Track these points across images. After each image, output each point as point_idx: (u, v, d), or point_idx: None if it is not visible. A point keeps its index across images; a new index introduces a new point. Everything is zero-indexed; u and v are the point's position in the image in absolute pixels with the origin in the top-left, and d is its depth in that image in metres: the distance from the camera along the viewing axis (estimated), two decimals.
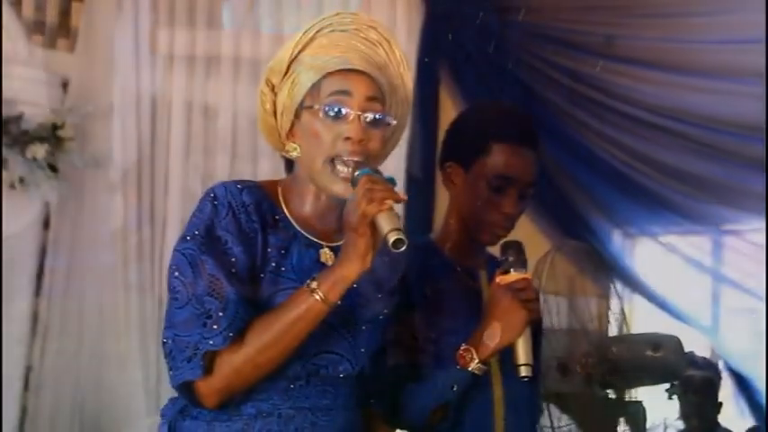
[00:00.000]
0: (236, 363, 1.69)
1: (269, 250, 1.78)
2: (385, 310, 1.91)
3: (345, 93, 1.78)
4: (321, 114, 1.78)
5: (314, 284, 1.68)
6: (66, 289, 4.51)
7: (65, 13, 4.75)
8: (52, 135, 4.38)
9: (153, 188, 4.71)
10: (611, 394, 3.28)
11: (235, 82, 4.81)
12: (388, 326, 1.93)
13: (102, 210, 4.60)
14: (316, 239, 1.84)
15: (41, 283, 4.48)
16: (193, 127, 4.80)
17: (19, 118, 4.33)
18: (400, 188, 5.08)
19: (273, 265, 1.77)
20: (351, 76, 1.79)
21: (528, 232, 4.71)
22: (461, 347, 2.01)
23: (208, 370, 1.69)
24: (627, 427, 3.30)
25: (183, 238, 1.77)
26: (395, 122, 1.88)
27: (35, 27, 4.69)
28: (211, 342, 1.68)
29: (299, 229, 1.83)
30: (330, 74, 1.79)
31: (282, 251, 1.79)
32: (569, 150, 5.04)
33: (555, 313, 3.12)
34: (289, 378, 1.76)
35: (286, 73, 1.84)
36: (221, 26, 4.89)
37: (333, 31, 1.85)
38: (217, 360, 1.69)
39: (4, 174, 4.26)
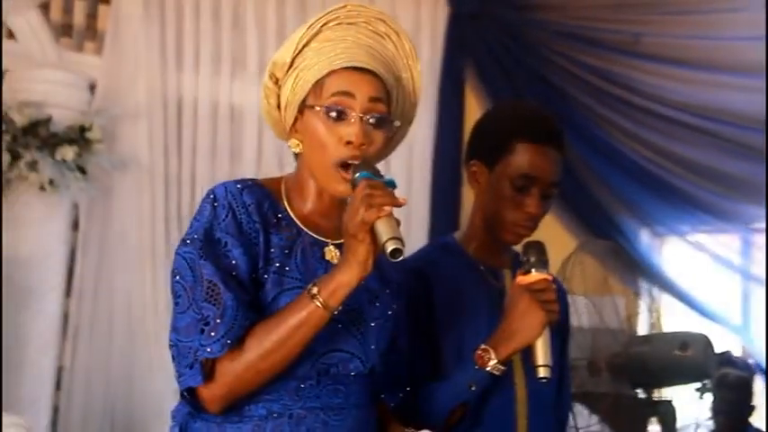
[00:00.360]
0: (237, 369, 1.66)
1: (272, 250, 1.74)
2: (394, 306, 1.88)
3: (348, 94, 1.74)
4: (322, 115, 1.74)
5: (314, 290, 1.65)
6: (96, 289, 4.54)
7: (92, 16, 4.79)
8: (80, 137, 4.41)
9: (180, 188, 4.73)
10: (641, 394, 3.26)
11: (260, 83, 4.81)
12: (397, 322, 1.90)
13: (130, 210, 4.63)
14: (320, 237, 1.81)
15: (71, 284, 4.52)
16: (219, 127, 4.83)
17: (48, 121, 4.37)
18: (426, 187, 5.07)
19: (277, 265, 1.74)
20: (355, 75, 1.75)
21: (555, 231, 4.71)
22: (480, 347, 2.01)
23: (209, 377, 1.67)
24: (657, 427, 3.28)
25: (183, 242, 1.74)
26: (398, 124, 1.85)
27: (63, 30, 4.73)
28: (209, 350, 1.65)
29: (302, 227, 1.80)
30: (334, 71, 1.75)
31: (286, 251, 1.76)
32: (596, 149, 5.03)
33: (583, 313, 3.10)
34: (299, 378, 1.73)
35: (290, 67, 1.79)
36: (246, 27, 4.91)
37: (340, 23, 1.79)
38: (217, 367, 1.67)
39: (35, 176, 4.29)
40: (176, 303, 1.72)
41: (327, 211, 1.82)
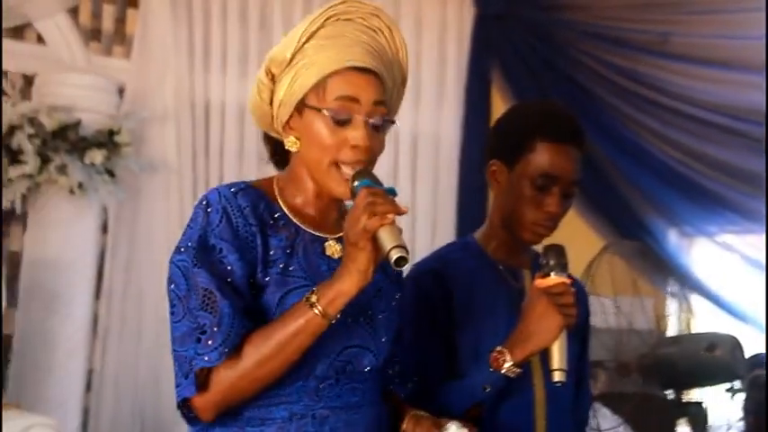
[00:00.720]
0: (232, 377, 1.65)
1: (271, 252, 1.73)
2: (396, 296, 1.89)
3: (353, 99, 1.72)
4: (328, 119, 1.72)
5: (313, 298, 1.64)
6: (125, 292, 4.57)
7: (120, 20, 4.82)
8: (109, 141, 4.44)
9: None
10: (671, 395, 3.24)
11: None
12: (401, 312, 1.90)
13: (159, 213, 4.66)
14: (319, 233, 1.80)
15: (101, 286, 4.55)
16: (246, 129, 4.84)
17: (77, 124, 4.41)
18: (453, 188, 5.05)
19: (281, 266, 1.73)
20: (358, 77, 1.74)
21: (582, 232, 4.69)
22: (495, 349, 2.01)
23: (203, 386, 1.66)
24: (687, 428, 3.26)
25: (177, 250, 1.73)
26: (398, 123, 1.84)
27: (92, 35, 4.76)
28: (206, 358, 1.64)
29: (300, 225, 1.79)
30: (336, 72, 1.73)
31: (288, 250, 1.75)
32: (624, 149, 5.01)
33: (611, 314, 3.09)
34: (318, 378, 1.72)
35: (288, 64, 1.76)
36: (273, 28, 4.92)
37: (338, 20, 1.77)
38: (213, 375, 1.66)
39: (64, 179, 4.33)
40: (172, 313, 1.71)
41: (325, 207, 1.81)
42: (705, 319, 4.56)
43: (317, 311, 1.63)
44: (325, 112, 1.73)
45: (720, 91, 4.75)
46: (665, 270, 3.48)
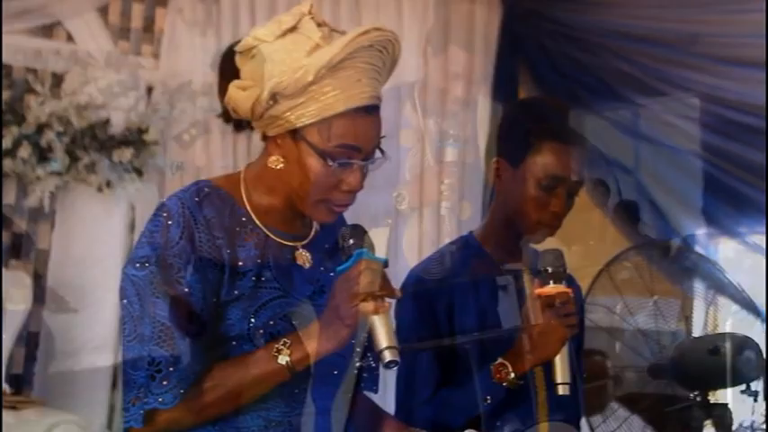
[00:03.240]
0: (184, 414, 1.61)
1: (240, 264, 1.66)
2: None
3: (356, 149, 1.65)
4: (327, 162, 1.64)
5: (286, 352, 1.60)
6: None
7: (149, 19, 4.84)
8: (138, 139, 4.47)
9: None
10: (697, 397, 3.22)
11: None
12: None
13: None
14: (287, 242, 1.74)
15: None
16: None
17: (106, 123, 4.44)
18: (479, 187, 5.00)
19: (253, 277, 1.66)
20: (363, 121, 1.65)
21: (608, 233, 4.66)
22: (497, 361, 1.99)
23: (150, 418, 1.60)
24: (712, 430, 3.23)
25: (132, 262, 1.63)
26: (388, 157, 1.73)
27: (121, 33, 4.79)
28: (161, 399, 1.58)
29: (267, 231, 1.72)
30: (342, 114, 1.63)
31: (258, 259, 1.68)
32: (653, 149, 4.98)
33: (637, 315, 3.07)
34: (293, 384, 1.67)
35: (300, 94, 1.64)
36: None
37: (357, 51, 1.64)
38: (162, 412, 1.60)
39: (93, 177, 4.36)
40: (124, 328, 1.64)
41: (295, 213, 1.74)
42: (733, 320, 4.52)
43: (285, 363, 1.60)
44: (329, 161, 1.64)
45: (750, 91, 4.71)
46: (692, 271, 3.46)
